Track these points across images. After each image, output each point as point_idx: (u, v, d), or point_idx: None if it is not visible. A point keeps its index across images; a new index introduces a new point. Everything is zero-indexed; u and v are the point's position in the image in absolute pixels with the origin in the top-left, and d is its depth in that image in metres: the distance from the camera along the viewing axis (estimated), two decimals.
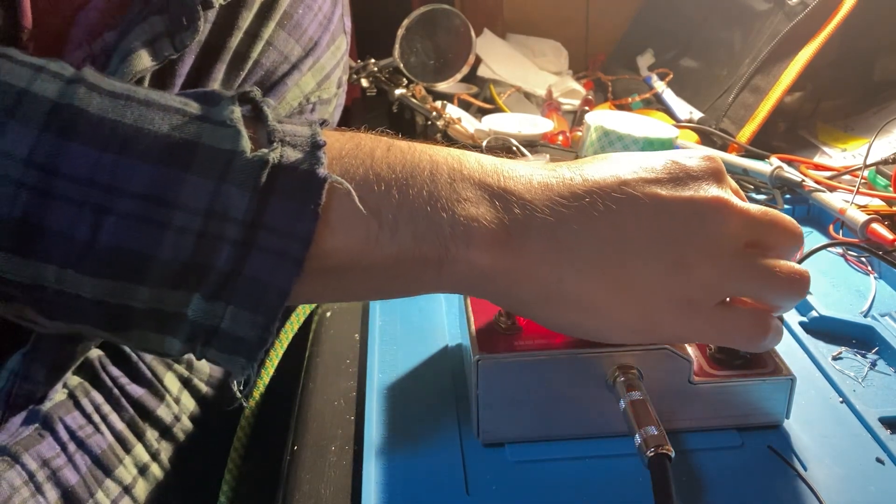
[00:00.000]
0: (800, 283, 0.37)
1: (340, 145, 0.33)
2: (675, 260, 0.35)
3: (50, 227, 0.30)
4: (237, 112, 0.32)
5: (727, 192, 0.36)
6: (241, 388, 0.34)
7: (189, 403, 0.51)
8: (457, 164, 0.35)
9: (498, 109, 0.96)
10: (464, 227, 0.33)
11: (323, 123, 0.34)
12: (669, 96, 0.96)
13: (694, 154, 0.38)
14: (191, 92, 0.33)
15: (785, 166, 0.72)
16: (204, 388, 0.53)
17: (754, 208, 0.37)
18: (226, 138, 0.31)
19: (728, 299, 0.37)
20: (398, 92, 0.88)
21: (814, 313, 0.51)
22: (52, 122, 0.30)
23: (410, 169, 0.34)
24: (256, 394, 0.54)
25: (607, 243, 0.34)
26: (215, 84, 0.45)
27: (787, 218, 0.38)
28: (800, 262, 0.48)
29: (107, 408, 0.46)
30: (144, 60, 0.39)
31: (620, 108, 0.98)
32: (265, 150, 0.31)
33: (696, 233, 0.35)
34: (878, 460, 0.39)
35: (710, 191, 0.36)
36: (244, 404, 0.36)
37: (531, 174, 0.36)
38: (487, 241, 0.33)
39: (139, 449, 0.46)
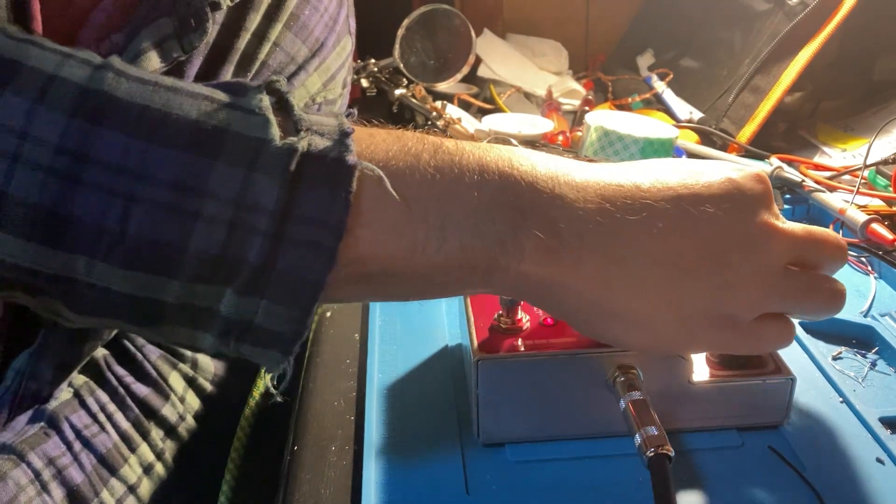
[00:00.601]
0: (836, 299, 0.38)
1: (387, 146, 0.32)
2: (724, 282, 0.35)
3: (80, 216, 0.29)
4: (266, 101, 0.31)
5: (774, 216, 0.37)
6: (276, 383, 0.33)
7: (194, 403, 0.51)
8: (507, 168, 0.33)
9: (498, 109, 0.96)
10: (514, 238, 0.32)
11: (349, 115, 0.34)
12: (669, 96, 0.96)
13: (746, 172, 0.37)
14: (216, 83, 0.33)
15: (785, 166, 0.72)
16: (209, 387, 0.53)
17: (798, 229, 0.37)
18: (255, 126, 0.30)
19: None
20: (398, 92, 0.88)
21: None
22: (82, 107, 0.29)
23: (459, 173, 0.32)
24: (256, 393, 0.54)
25: (662, 262, 0.34)
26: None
27: (831, 235, 0.38)
28: None
29: (112, 407, 0.46)
30: (153, 62, 0.40)
31: (620, 108, 0.98)
32: (294, 139, 0.30)
33: (746, 257, 0.35)
34: (878, 460, 0.39)
35: (762, 215, 0.36)
36: (279, 399, 0.35)
37: (586, 180, 0.35)
38: (539, 253, 0.33)
39: (144, 448, 0.46)
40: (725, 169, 0.37)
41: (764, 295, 0.36)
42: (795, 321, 0.39)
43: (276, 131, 0.30)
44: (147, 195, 0.29)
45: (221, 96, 0.31)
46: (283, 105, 0.32)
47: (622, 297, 0.34)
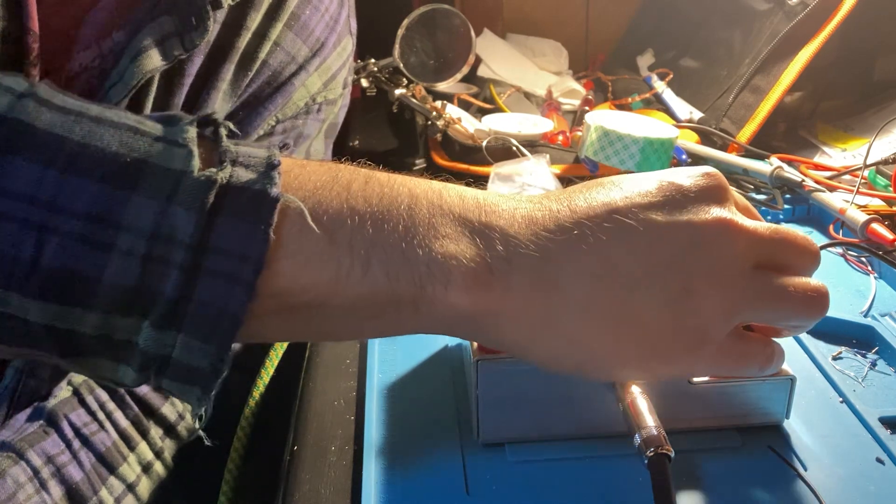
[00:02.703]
0: (818, 302, 0.35)
1: (317, 178, 0.32)
2: (680, 289, 0.33)
3: None
4: (192, 132, 0.31)
5: (730, 212, 0.34)
6: (200, 420, 0.32)
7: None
8: (436, 198, 0.33)
9: (498, 109, 0.96)
10: (441, 266, 0.32)
11: (283, 147, 0.33)
12: (669, 96, 0.96)
13: (691, 172, 0.35)
14: (152, 114, 0.32)
15: (785, 166, 0.72)
16: None
17: (762, 227, 0.35)
18: (176, 158, 0.30)
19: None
20: (398, 92, 0.88)
21: None
22: None
23: (388, 203, 0.32)
24: (256, 394, 0.54)
25: (600, 278, 0.33)
26: (224, 84, 0.45)
27: (801, 235, 0.36)
28: None
29: (111, 405, 0.46)
30: (154, 60, 0.40)
31: (620, 108, 0.98)
32: (213, 170, 0.30)
33: (699, 258, 0.33)
34: (878, 460, 0.39)
35: (711, 211, 0.34)
36: (206, 441, 0.35)
37: (515, 207, 0.34)
38: (467, 281, 0.32)
39: (143, 447, 0.46)
40: (666, 174, 0.35)
41: (731, 300, 0.33)
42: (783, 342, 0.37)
43: (196, 163, 0.30)
44: (61, 227, 0.29)
45: (149, 127, 0.31)
46: (216, 137, 0.32)
47: (561, 321, 0.33)
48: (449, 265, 0.32)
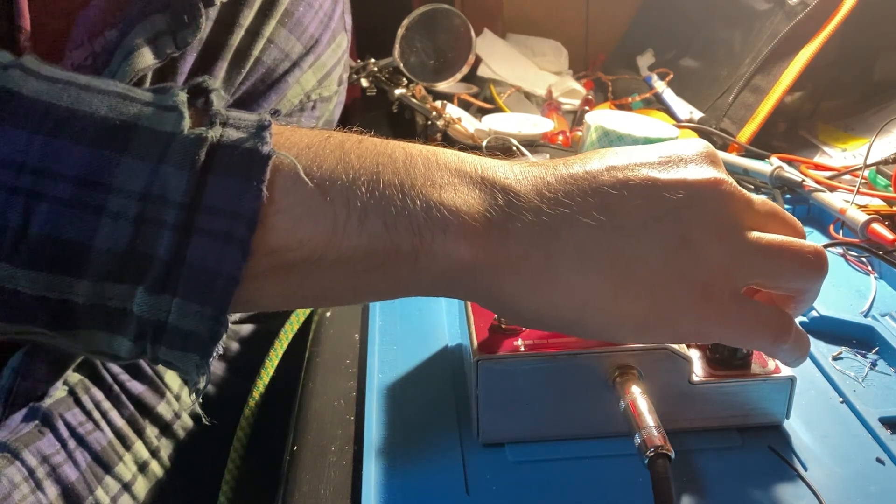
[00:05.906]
0: (818, 258, 0.35)
1: (308, 139, 0.32)
2: (680, 240, 0.33)
3: None
4: (182, 96, 0.31)
5: (723, 174, 0.35)
6: (198, 393, 0.31)
7: (189, 401, 0.51)
8: (432, 156, 0.33)
9: (498, 109, 0.96)
10: (439, 214, 0.31)
11: (275, 113, 0.33)
12: (669, 96, 0.96)
13: (685, 142, 0.36)
14: (144, 87, 0.32)
15: (785, 166, 0.72)
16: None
17: (754, 196, 0.36)
18: (167, 121, 0.30)
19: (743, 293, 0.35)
20: (398, 92, 0.88)
21: (814, 313, 0.51)
22: None
23: (383, 159, 0.32)
24: (256, 394, 0.54)
25: (600, 228, 0.32)
26: (217, 82, 0.44)
27: (785, 211, 0.37)
28: None
29: (107, 404, 0.46)
30: (146, 58, 0.40)
31: (620, 108, 0.98)
32: (203, 129, 0.30)
33: (697, 212, 0.33)
34: (878, 460, 0.39)
35: (708, 172, 0.35)
36: (205, 420, 0.34)
37: (512, 165, 0.34)
38: (466, 229, 0.31)
39: (139, 446, 0.46)
40: (665, 143, 0.36)
41: (731, 253, 0.33)
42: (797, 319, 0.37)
43: (187, 124, 0.30)
44: (50, 192, 0.28)
45: (139, 94, 0.31)
46: (208, 103, 0.32)
47: (562, 269, 0.32)
48: (447, 212, 0.31)
